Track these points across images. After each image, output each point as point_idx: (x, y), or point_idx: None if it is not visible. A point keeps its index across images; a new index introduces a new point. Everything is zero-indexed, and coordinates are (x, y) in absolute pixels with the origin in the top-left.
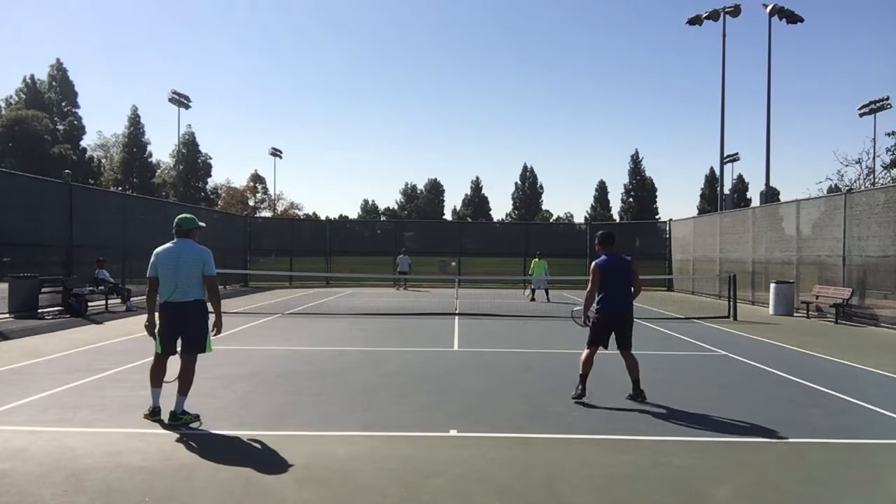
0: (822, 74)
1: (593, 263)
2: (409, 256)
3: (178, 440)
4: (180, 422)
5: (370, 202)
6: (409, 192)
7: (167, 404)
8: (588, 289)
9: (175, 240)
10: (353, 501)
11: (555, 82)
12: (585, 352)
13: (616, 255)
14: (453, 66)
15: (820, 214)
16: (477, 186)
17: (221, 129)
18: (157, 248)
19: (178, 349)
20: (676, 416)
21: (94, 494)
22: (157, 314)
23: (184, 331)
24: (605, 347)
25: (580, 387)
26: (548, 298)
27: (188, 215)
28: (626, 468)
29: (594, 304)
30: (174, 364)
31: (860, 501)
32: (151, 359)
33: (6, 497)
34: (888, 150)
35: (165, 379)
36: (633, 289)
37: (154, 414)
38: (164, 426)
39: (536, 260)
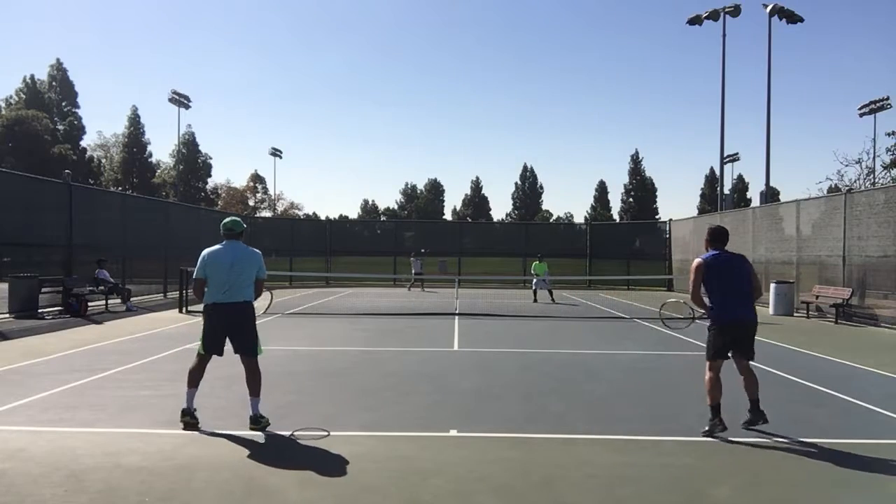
0: (822, 74)
1: (697, 259)
2: (420, 259)
3: (178, 440)
4: (261, 424)
5: (370, 202)
6: (409, 192)
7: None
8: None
9: (224, 242)
10: (353, 501)
11: (555, 82)
12: (708, 374)
13: (726, 252)
14: (453, 66)
15: (820, 214)
16: (477, 186)
17: (221, 129)
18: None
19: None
20: (676, 416)
21: (94, 494)
22: (204, 314)
23: (236, 333)
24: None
25: (713, 420)
26: (552, 299)
27: (236, 218)
28: (626, 468)
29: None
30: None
31: (860, 501)
32: (152, 359)
33: (6, 497)
34: (888, 150)
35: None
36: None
37: (185, 415)
38: (190, 427)
39: (537, 262)
